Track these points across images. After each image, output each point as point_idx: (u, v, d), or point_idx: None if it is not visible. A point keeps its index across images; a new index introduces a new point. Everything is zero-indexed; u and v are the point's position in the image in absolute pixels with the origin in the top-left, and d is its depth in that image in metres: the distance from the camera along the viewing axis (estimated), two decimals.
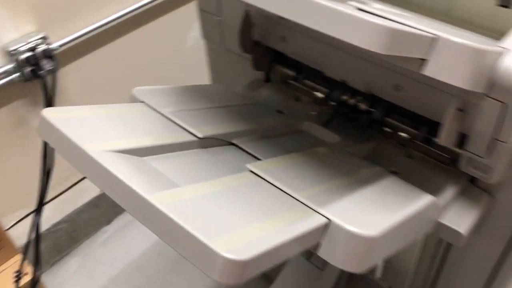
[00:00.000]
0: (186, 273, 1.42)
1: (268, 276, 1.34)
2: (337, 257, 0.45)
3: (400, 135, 0.71)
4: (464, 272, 0.79)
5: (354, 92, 0.74)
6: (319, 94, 0.79)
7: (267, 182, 0.50)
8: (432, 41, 0.46)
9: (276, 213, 0.44)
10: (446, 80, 0.46)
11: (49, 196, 1.42)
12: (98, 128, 0.49)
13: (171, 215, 0.38)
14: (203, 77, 1.04)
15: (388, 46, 0.40)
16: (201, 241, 0.36)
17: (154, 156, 0.50)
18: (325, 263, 1.08)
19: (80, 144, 0.44)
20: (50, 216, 1.42)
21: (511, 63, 0.52)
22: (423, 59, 0.47)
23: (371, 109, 0.73)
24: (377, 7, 0.70)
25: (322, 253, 0.46)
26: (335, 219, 0.45)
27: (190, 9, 1.48)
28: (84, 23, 1.22)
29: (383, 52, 0.40)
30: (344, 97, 0.74)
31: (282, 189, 0.48)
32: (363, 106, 0.74)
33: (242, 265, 0.36)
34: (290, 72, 0.80)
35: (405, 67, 0.48)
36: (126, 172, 0.42)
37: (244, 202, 0.44)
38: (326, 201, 0.48)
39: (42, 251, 1.40)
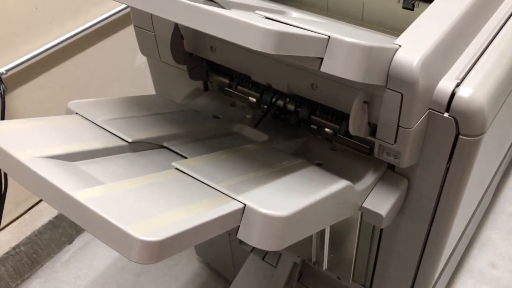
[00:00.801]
0: (149, 286, 1.44)
1: (227, 279, 1.38)
2: (254, 237, 0.50)
3: (325, 131, 0.78)
4: (397, 253, 0.86)
5: (282, 95, 0.80)
6: (252, 99, 0.85)
7: (190, 177, 0.55)
8: (325, 41, 0.52)
9: (195, 201, 0.49)
10: (340, 75, 0.52)
11: (6, 219, 1.43)
12: (31, 138, 0.53)
13: (92, 207, 0.42)
14: (153, 92, 1.08)
15: (278, 47, 0.45)
16: (118, 227, 0.40)
17: (85, 161, 0.54)
18: (277, 261, 1.13)
19: (11, 153, 0.48)
20: (9, 239, 1.42)
21: (401, 57, 0.59)
22: (320, 58, 0.53)
23: (298, 109, 0.79)
24: (294, 16, 0.77)
25: (241, 235, 0.51)
26: (249, 203, 0.50)
27: None
28: (32, 46, 1.25)
29: (273, 53, 0.45)
30: (273, 100, 0.80)
31: (203, 181, 0.53)
32: (290, 106, 0.80)
33: (156, 246, 0.41)
34: (225, 80, 0.86)
35: (305, 65, 0.54)
36: (53, 174, 0.46)
37: (165, 194, 0.49)
38: (244, 190, 0.53)
39: (2, 275, 1.40)
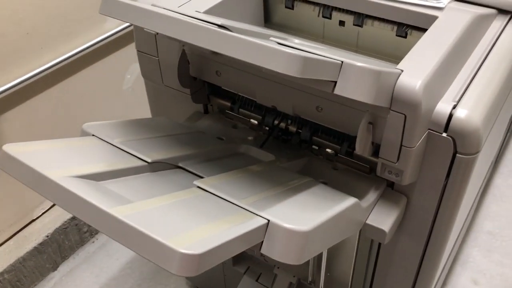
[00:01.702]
0: None
1: None
2: (278, 252, 0.52)
3: (327, 151, 0.81)
4: (394, 271, 0.89)
5: (284, 117, 0.83)
6: (254, 121, 0.88)
7: (212, 195, 0.57)
8: (339, 66, 0.56)
9: (222, 217, 0.51)
10: (352, 97, 0.56)
11: None
12: (55, 158, 0.54)
13: (132, 223, 0.43)
14: (145, 115, 1.10)
15: (302, 71, 0.49)
16: (159, 241, 0.42)
17: (109, 180, 0.56)
18: (273, 282, 1.14)
19: (43, 172, 0.49)
20: None
21: (405, 81, 0.63)
22: (333, 81, 0.57)
23: (299, 131, 0.82)
24: (297, 42, 0.81)
25: (264, 250, 0.53)
26: (273, 219, 0.52)
27: (125, 53, 1.54)
28: (23, 71, 1.26)
29: (298, 76, 0.49)
30: (276, 122, 0.84)
31: (226, 199, 0.56)
32: (292, 128, 0.83)
33: (197, 258, 0.42)
34: (226, 103, 0.89)
35: (320, 88, 0.58)
36: (86, 192, 0.47)
37: (193, 210, 0.51)
38: (265, 206, 0.55)
39: None
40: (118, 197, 0.51)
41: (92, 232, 1.62)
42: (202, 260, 0.43)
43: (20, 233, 1.46)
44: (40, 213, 1.49)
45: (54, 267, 1.54)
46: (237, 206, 0.55)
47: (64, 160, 0.55)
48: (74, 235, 1.56)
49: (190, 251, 0.42)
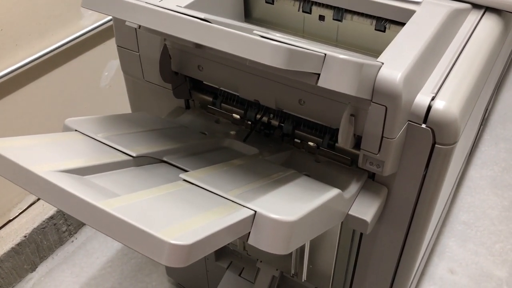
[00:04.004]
0: None
1: None
2: (265, 242, 0.53)
3: (309, 144, 0.82)
4: (375, 261, 0.91)
5: (266, 111, 0.84)
6: (236, 115, 0.88)
7: (198, 187, 0.57)
8: (322, 58, 0.57)
9: (209, 209, 0.51)
10: (335, 89, 0.57)
11: None
12: (39, 153, 0.54)
13: (121, 216, 0.43)
14: (124, 112, 1.09)
15: (287, 62, 0.49)
16: (149, 233, 0.42)
17: (94, 175, 0.55)
18: (256, 276, 1.15)
19: (28, 167, 0.48)
20: None
21: (385, 73, 0.65)
22: (316, 74, 0.58)
23: (281, 124, 0.83)
24: (278, 35, 0.81)
25: (252, 241, 0.54)
26: (260, 210, 0.53)
27: (102, 50, 1.53)
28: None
29: (284, 67, 0.49)
30: (258, 116, 0.84)
31: (213, 191, 0.56)
32: (275, 122, 0.84)
33: (186, 249, 0.43)
34: (208, 98, 0.89)
35: (303, 81, 0.58)
36: (73, 186, 0.47)
37: (180, 203, 0.51)
38: (251, 198, 0.56)
39: None
40: (105, 190, 0.51)
41: (71, 232, 1.60)
42: (191, 251, 0.43)
43: None
44: (17, 213, 1.47)
45: (33, 268, 1.51)
46: (223, 198, 0.55)
47: (48, 155, 0.55)
48: (52, 235, 1.54)
49: (180, 241, 0.42)
